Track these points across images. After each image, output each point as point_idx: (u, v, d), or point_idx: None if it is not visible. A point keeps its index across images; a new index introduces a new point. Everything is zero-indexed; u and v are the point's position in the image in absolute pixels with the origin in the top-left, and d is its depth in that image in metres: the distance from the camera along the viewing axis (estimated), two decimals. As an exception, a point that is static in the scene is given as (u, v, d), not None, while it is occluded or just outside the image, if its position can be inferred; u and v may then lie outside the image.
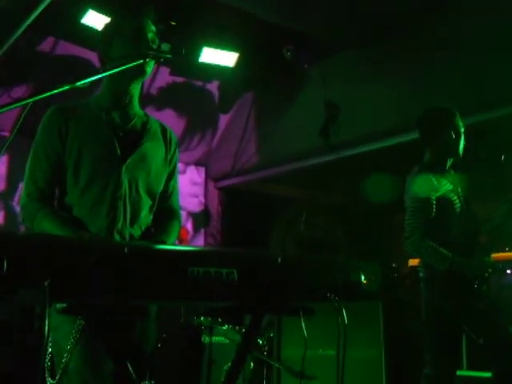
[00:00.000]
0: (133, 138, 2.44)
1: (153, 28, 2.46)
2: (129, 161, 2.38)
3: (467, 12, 5.26)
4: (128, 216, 2.36)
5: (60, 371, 2.02)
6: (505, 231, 3.67)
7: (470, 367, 4.42)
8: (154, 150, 2.49)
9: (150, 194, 2.46)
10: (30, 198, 2.31)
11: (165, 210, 2.55)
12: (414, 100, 5.62)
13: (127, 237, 2.35)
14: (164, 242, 2.40)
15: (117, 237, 2.32)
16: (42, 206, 2.29)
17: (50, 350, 2.15)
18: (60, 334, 2.12)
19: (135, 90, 2.49)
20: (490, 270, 3.52)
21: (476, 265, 3.48)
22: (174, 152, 2.59)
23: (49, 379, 2.06)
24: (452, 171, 3.73)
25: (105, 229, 2.30)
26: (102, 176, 2.32)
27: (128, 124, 2.46)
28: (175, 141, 2.61)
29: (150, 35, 2.42)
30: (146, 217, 2.44)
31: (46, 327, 2.11)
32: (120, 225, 2.33)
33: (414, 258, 4.51)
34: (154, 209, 2.50)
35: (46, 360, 2.11)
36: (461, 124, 3.69)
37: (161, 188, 2.52)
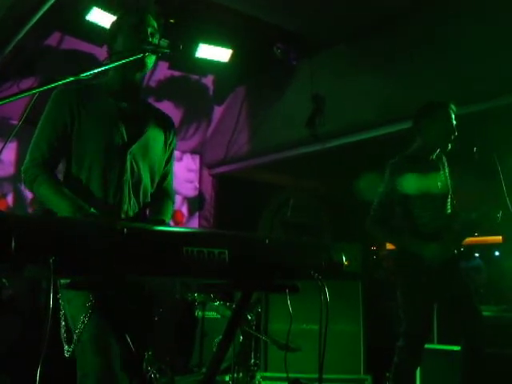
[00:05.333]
0: (137, 126, 2.44)
1: (153, 23, 2.45)
2: (133, 147, 2.38)
3: (453, 9, 5.21)
4: (132, 199, 2.37)
5: (75, 340, 2.02)
6: (476, 230, 3.66)
7: (440, 341, 4.46)
8: (156, 137, 2.50)
9: (151, 177, 2.47)
10: (32, 164, 2.28)
11: (160, 191, 2.56)
12: (397, 94, 5.61)
13: (131, 217, 2.36)
14: (164, 221, 2.42)
15: (123, 217, 2.32)
16: (43, 171, 2.27)
17: (63, 322, 2.15)
18: (74, 306, 2.12)
19: (138, 80, 2.49)
20: (448, 255, 3.52)
21: (433, 249, 3.47)
22: (173, 138, 2.60)
23: (66, 347, 2.07)
24: (437, 161, 3.71)
25: (112, 210, 2.30)
26: (108, 161, 2.31)
27: (133, 112, 2.46)
28: (174, 128, 2.63)
29: (149, 30, 2.41)
30: (146, 198, 2.46)
31: (60, 300, 2.13)
32: (126, 206, 2.34)
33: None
34: (153, 190, 2.51)
35: (62, 330, 2.11)
36: (451, 116, 3.64)
37: (160, 172, 2.54)
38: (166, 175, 2.59)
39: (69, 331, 2.12)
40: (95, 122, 2.33)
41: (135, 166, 2.38)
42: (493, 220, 3.55)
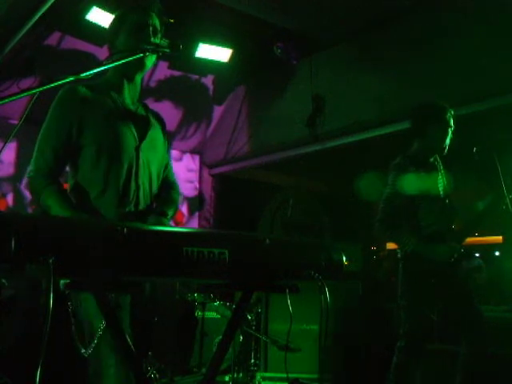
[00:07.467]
0: (142, 124, 2.47)
1: (156, 22, 2.45)
2: (143, 143, 2.41)
3: (453, 9, 5.21)
4: (145, 194, 2.40)
5: (94, 340, 2.01)
6: (483, 222, 3.66)
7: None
8: (158, 133, 2.56)
9: (158, 172, 2.52)
10: (38, 173, 2.27)
11: (163, 182, 2.59)
12: (397, 94, 5.61)
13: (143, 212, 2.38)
14: (166, 213, 2.44)
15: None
16: (50, 182, 2.26)
17: (73, 319, 2.13)
18: (89, 305, 2.10)
19: (138, 79, 2.51)
20: (455, 255, 3.53)
21: (440, 250, 3.49)
22: (166, 133, 2.67)
23: (81, 347, 2.05)
24: (435, 163, 3.72)
25: (129, 206, 2.32)
26: (122, 158, 2.33)
27: (137, 109, 2.50)
28: (165, 124, 2.69)
29: (151, 29, 2.41)
30: (156, 192, 2.49)
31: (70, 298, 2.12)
32: (141, 201, 2.37)
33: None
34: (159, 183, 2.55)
35: (73, 329, 2.09)
36: (451, 121, 3.65)
37: (163, 166, 2.59)
38: (166, 166, 2.63)
39: (81, 331, 2.11)
40: (104, 123, 2.33)
41: (146, 163, 2.41)
42: (500, 207, 3.54)
